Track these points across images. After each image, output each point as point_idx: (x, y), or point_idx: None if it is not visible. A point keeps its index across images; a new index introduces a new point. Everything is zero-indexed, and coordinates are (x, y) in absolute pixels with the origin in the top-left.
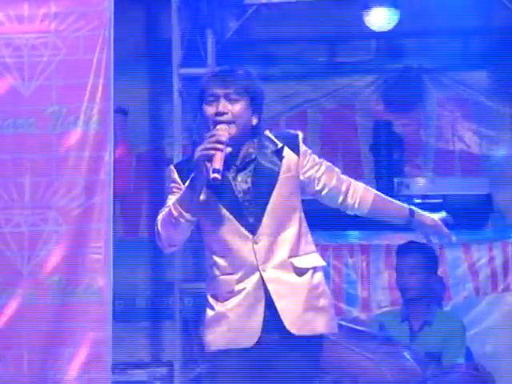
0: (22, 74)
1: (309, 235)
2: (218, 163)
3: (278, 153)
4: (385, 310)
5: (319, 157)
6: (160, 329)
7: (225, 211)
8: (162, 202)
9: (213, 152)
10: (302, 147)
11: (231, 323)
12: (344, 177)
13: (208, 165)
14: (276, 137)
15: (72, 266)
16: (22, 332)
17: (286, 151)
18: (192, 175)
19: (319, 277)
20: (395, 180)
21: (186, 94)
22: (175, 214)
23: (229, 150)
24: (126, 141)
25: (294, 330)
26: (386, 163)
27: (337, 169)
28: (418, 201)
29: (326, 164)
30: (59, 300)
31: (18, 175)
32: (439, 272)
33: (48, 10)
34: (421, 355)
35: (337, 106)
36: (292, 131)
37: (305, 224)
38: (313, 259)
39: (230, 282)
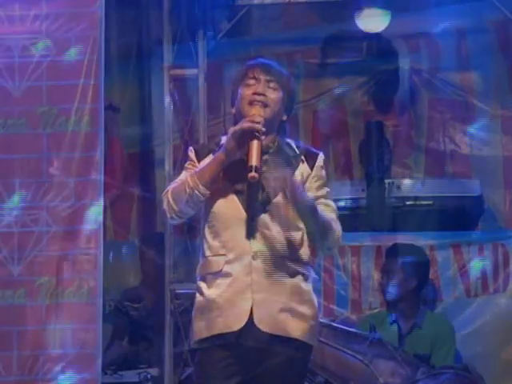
0: (13, 75)
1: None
2: (255, 159)
3: (296, 158)
4: (375, 311)
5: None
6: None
7: (233, 190)
8: (152, 204)
9: (247, 128)
10: (318, 167)
11: (219, 308)
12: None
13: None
14: (297, 146)
15: (62, 267)
16: (11, 333)
17: (303, 161)
18: (220, 150)
19: (308, 287)
20: (386, 181)
21: (176, 95)
22: (191, 184)
23: (263, 138)
24: (119, 138)
25: (261, 326)
26: (377, 164)
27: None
28: (409, 202)
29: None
30: (49, 301)
31: (8, 176)
32: (430, 274)
33: (39, 11)
34: (410, 357)
35: (328, 107)
36: (314, 149)
37: (307, 238)
38: (306, 267)
39: (220, 263)
